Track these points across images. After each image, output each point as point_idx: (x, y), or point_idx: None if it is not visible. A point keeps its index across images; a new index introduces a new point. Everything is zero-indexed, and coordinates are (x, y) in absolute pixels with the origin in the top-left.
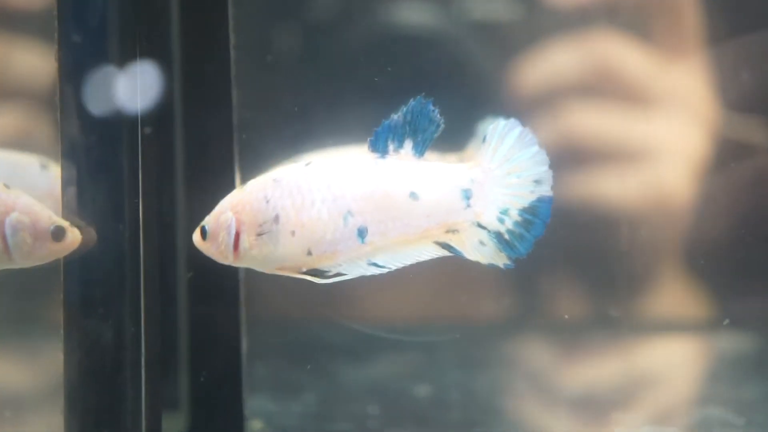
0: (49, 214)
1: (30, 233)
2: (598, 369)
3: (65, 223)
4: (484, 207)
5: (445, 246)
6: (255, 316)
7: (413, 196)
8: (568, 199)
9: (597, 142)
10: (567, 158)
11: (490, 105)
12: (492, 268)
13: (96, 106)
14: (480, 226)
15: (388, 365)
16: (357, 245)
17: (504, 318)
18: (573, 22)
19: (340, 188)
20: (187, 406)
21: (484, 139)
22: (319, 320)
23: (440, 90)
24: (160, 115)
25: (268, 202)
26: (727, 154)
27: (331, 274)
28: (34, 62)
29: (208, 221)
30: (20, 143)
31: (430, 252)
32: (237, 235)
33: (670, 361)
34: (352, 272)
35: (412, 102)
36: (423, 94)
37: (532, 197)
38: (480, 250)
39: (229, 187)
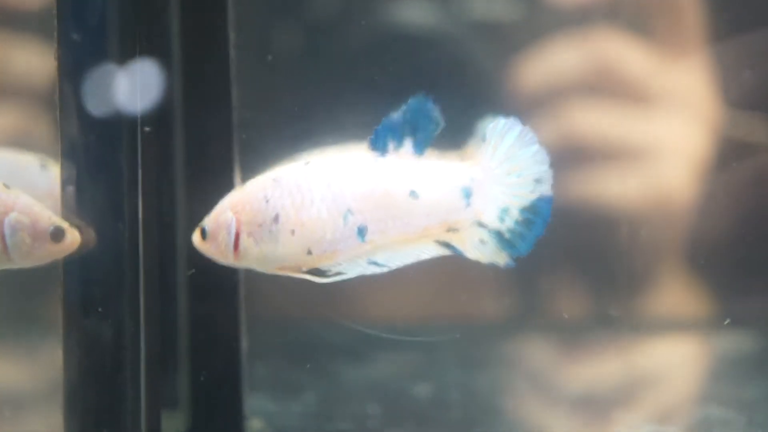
0: (49, 215)
1: (29, 233)
2: (598, 368)
3: (65, 224)
4: (484, 206)
5: (446, 245)
6: (255, 316)
7: (413, 194)
8: (568, 198)
9: (598, 142)
10: (568, 157)
11: (491, 104)
12: (492, 268)
13: (95, 105)
14: (480, 224)
15: (388, 365)
16: (357, 244)
17: (504, 317)
18: (574, 21)
19: (340, 187)
20: (186, 405)
21: (484, 138)
22: (318, 320)
23: (441, 89)
24: (159, 114)
25: (267, 201)
26: (729, 153)
27: (331, 273)
28: (34, 61)
29: (208, 222)
30: (20, 143)
31: (430, 251)
32: (237, 235)
33: (670, 361)
34: (352, 271)
35: (411, 100)
36: (423, 92)
37: (533, 196)
38: (480, 249)
39: (229, 186)
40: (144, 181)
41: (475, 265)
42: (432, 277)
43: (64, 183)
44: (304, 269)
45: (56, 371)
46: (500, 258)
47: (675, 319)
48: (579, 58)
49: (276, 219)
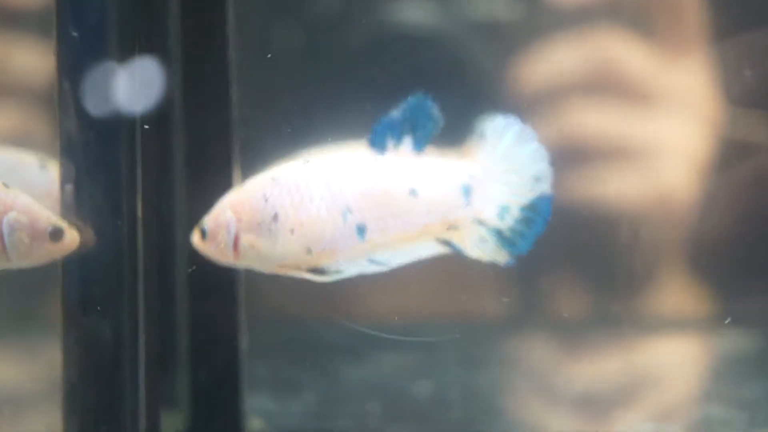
0: (48, 215)
1: (28, 233)
2: (599, 367)
3: (64, 224)
4: (484, 204)
5: (446, 243)
6: (254, 315)
7: (413, 192)
8: (569, 197)
9: (599, 141)
10: (568, 157)
11: (492, 103)
12: (493, 266)
13: (95, 104)
14: (480, 223)
15: (389, 364)
16: (357, 243)
17: (505, 316)
18: (574, 20)
19: (339, 185)
20: (186, 404)
21: (483, 136)
22: (318, 319)
23: (441, 88)
24: (159, 113)
25: (266, 200)
26: (730, 153)
27: (330, 272)
28: (34, 61)
29: (207, 222)
30: (19, 142)
31: (430, 249)
32: (236, 235)
33: (671, 360)
34: (352, 270)
35: (410, 98)
36: (421, 90)
37: (532, 194)
38: (480, 247)
39: (229, 184)
40: (143, 179)
41: (476, 263)
42: (432, 276)
43: (63, 181)
44: (304, 268)
45: (55, 370)
46: (500, 256)
47: (675, 319)
48: (579, 57)
49: (275, 218)
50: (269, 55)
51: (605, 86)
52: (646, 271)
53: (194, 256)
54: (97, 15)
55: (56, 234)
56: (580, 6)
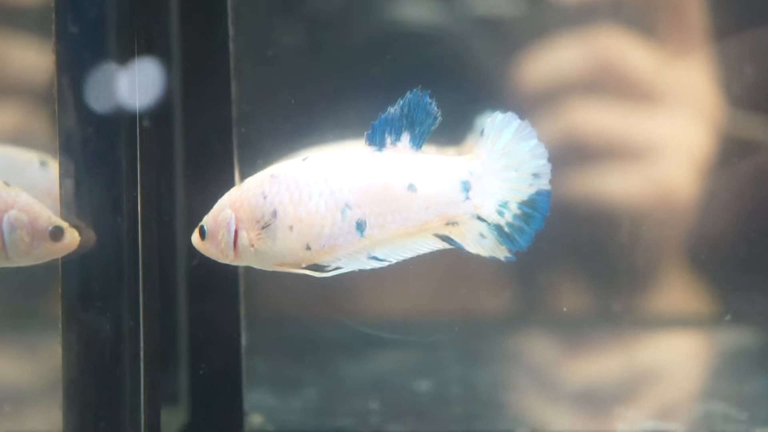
0: (49, 214)
1: (28, 232)
2: (600, 364)
3: (64, 224)
4: (483, 199)
5: (445, 239)
6: (254, 311)
7: (411, 188)
8: (571, 195)
9: (600, 139)
10: (570, 155)
11: (493, 101)
12: (494, 263)
13: (94, 100)
14: (480, 218)
15: (389, 360)
16: (356, 239)
17: (506, 313)
18: (576, 18)
19: (338, 182)
20: (186, 400)
21: (482, 133)
22: (318, 316)
23: (443, 86)
24: (158, 109)
25: (265, 197)
26: (731, 151)
27: (330, 268)
28: (33, 58)
29: (207, 221)
30: (19, 140)
31: (430, 245)
32: (236, 233)
33: (672, 357)
34: (351, 266)
35: (409, 95)
36: (420, 86)
37: (531, 190)
38: (480, 243)
39: (228, 180)
40: (143, 176)
41: (476, 260)
42: (432, 273)
43: (62, 178)
44: (304, 265)
45: (55, 366)
46: (500, 252)
47: (676, 316)
48: (581, 55)
49: (274, 215)
50: (269, 51)
51: (606, 84)
52: (647, 268)
53: (194, 252)
54: (96, 12)
55: (56, 233)
56: (581, 4)
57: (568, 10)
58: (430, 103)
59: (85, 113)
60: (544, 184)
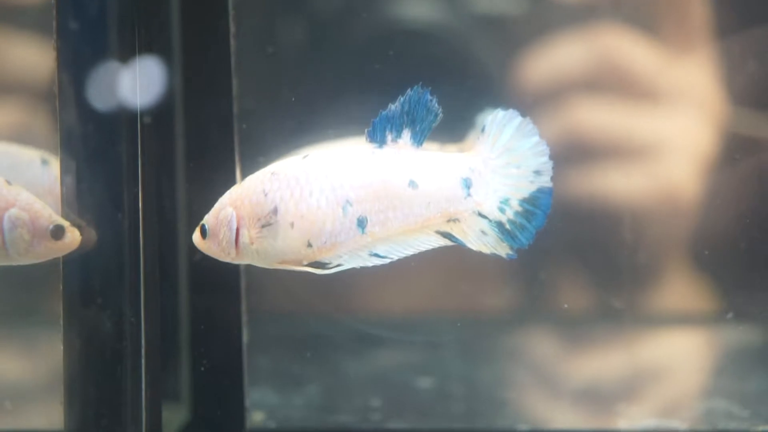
0: (50, 213)
1: (28, 230)
2: (602, 361)
3: (65, 223)
4: (484, 196)
5: (447, 235)
6: (256, 308)
7: (412, 184)
8: (574, 193)
9: (603, 137)
10: (573, 153)
11: (495, 99)
12: (496, 263)
13: (95, 96)
14: (481, 215)
15: (391, 357)
16: (357, 236)
17: (508, 310)
18: (579, 16)
19: (339, 178)
20: (187, 397)
21: (483, 129)
22: (320, 313)
23: (445, 84)
24: (159, 105)
25: (266, 195)
26: (734, 149)
27: (332, 266)
28: (34, 56)
29: (208, 220)
30: (20, 138)
31: (431, 242)
32: (237, 231)
33: (674, 354)
34: (353, 264)
35: (409, 92)
36: (421, 83)
37: (532, 188)
38: (482, 240)
39: (229, 176)
40: (144, 172)
41: (478, 258)
42: (434, 270)
43: (63, 175)
44: (305, 263)
45: (56, 363)
46: (502, 249)
47: (679, 313)
48: (584, 53)
49: (275, 212)
50: (270, 47)
51: (609, 82)
52: (650, 265)
53: (195, 248)
54: (97, 8)
55: (57, 232)
56: (584, 2)
57: (571, 7)
58: (431, 100)
59: (85, 110)
60: (545, 181)
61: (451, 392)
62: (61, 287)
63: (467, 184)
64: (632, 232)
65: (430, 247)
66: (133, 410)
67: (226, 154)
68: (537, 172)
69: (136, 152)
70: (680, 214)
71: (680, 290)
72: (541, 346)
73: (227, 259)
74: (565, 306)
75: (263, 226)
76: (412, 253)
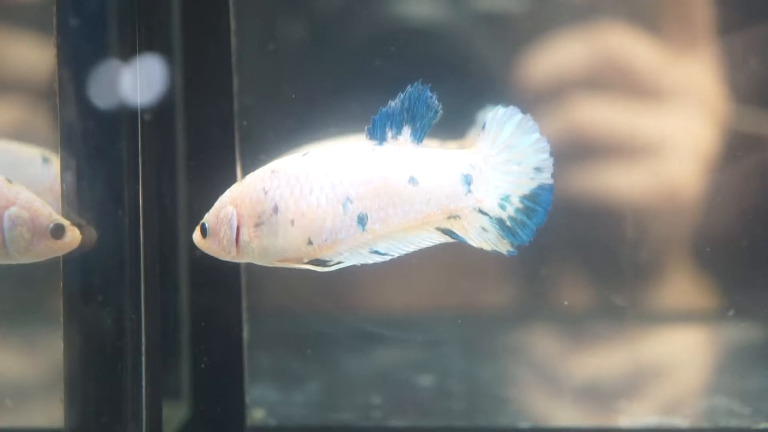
0: (50, 212)
1: (28, 229)
2: (603, 359)
3: (65, 222)
4: (485, 193)
5: (448, 232)
6: (257, 305)
7: (412, 181)
8: (576, 191)
9: (605, 135)
10: (575, 151)
11: (497, 97)
12: (497, 260)
13: (95, 94)
14: (482, 212)
15: (391, 355)
16: (358, 233)
17: (509, 307)
18: (581, 13)
19: (339, 176)
20: (188, 394)
21: (483, 126)
22: (321, 311)
23: (446, 81)
24: (160, 102)
25: (266, 192)
26: (736, 147)
27: (332, 263)
28: (34, 54)
29: (208, 218)
30: (21, 136)
31: (432, 238)
32: (238, 229)
33: (676, 352)
34: (353, 261)
35: (409, 89)
36: (420, 80)
37: (533, 184)
38: (483, 237)
39: (230, 173)
40: (144, 169)
41: (479, 255)
42: (435, 267)
43: (63, 172)
44: (306, 261)
45: (57, 360)
46: (502, 246)
47: (680, 311)
48: (586, 51)
49: (275, 210)
50: (271, 44)
51: (611, 80)
52: (651, 263)
53: (195, 246)
54: (97, 5)
55: (57, 231)
56: (586, 0)
57: (573, 5)
58: (431, 97)
59: (86, 107)
60: (546, 178)
61: (452, 390)
62: (62, 284)
63: (468, 181)
64: (634, 229)
65: (431, 244)
66: (134, 407)
67: (226, 151)
68: (538, 169)
69: (137, 149)
70: (682, 212)
71: (682, 288)
72: (543, 343)
73: (228, 258)
74: (566, 303)
75: (256, 225)
76: (412, 250)
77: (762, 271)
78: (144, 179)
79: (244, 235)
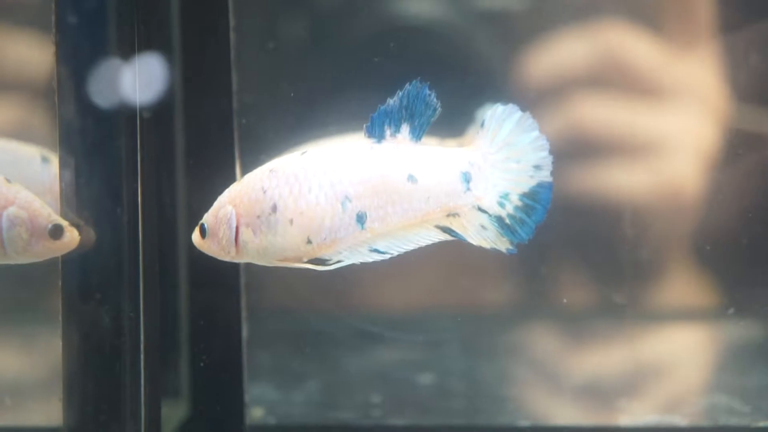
0: (49, 212)
1: (26, 229)
2: (603, 357)
3: (64, 223)
4: (484, 191)
5: (447, 230)
6: (256, 303)
7: (411, 179)
8: (577, 189)
9: (605, 133)
10: (575, 149)
11: (498, 95)
12: (498, 258)
13: (94, 91)
14: (481, 210)
15: (391, 353)
16: (357, 231)
17: (509, 305)
18: (581, 11)
19: (337, 174)
20: (187, 393)
21: (482, 124)
22: (320, 311)
23: (447, 81)
24: (158, 99)
25: (265, 192)
26: (737, 145)
27: (332, 262)
28: (34, 53)
29: (207, 219)
30: (20, 135)
31: (431, 236)
32: (237, 229)
33: (675, 350)
34: (353, 260)
35: (407, 86)
36: (419, 78)
37: (532, 182)
38: (482, 235)
39: (229, 171)
40: (143, 167)
41: (479, 253)
42: (435, 266)
43: (62, 169)
44: (305, 260)
45: (55, 359)
46: (502, 244)
47: (680, 309)
48: (587, 50)
49: (274, 209)
50: (270, 41)
51: (612, 78)
52: (651, 261)
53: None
54: (96, 2)
55: (56, 232)
56: None
57: (573, 3)
58: (430, 95)
59: (85, 104)
60: (545, 176)
61: (451, 388)
62: (60, 283)
63: (466, 179)
64: (634, 227)
65: (430, 242)
66: (132, 406)
67: (225, 149)
68: (537, 167)
69: (136, 147)
70: (682, 210)
71: (682, 286)
72: (542, 341)
73: (227, 258)
74: (564, 301)
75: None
76: (412, 248)
77: (762, 270)
78: (143, 177)
79: (243, 235)
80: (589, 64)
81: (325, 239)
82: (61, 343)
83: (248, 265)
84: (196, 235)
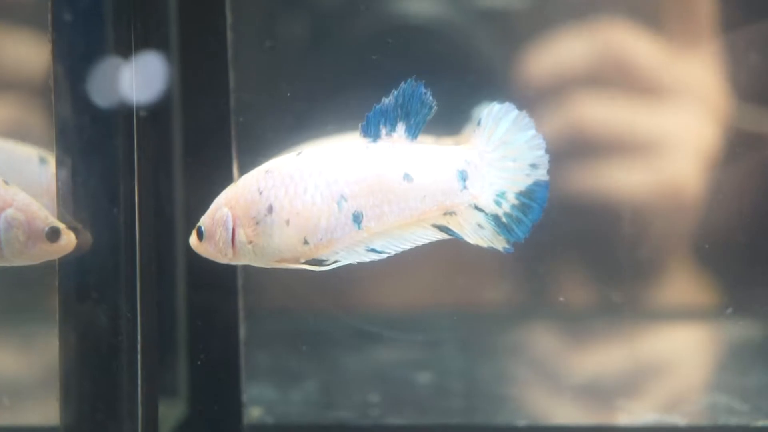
0: (46, 215)
1: (24, 231)
2: (603, 356)
3: (61, 225)
4: (480, 189)
5: (444, 229)
6: (253, 303)
7: (407, 177)
8: (576, 188)
9: (605, 132)
10: (575, 148)
11: (497, 94)
12: (496, 257)
13: (90, 89)
14: (477, 208)
15: (389, 353)
16: (353, 231)
17: (508, 304)
18: (581, 10)
19: (333, 174)
20: (184, 392)
21: (479, 123)
22: (318, 310)
23: (447, 79)
24: (156, 98)
25: (261, 193)
26: (737, 145)
27: (329, 262)
28: (30, 52)
29: (203, 221)
30: (17, 134)
31: (428, 235)
32: (233, 231)
33: (675, 349)
34: (350, 260)
35: (403, 85)
36: (414, 76)
37: (529, 181)
38: (478, 233)
39: (227, 170)
40: (140, 166)
41: (476, 252)
42: (432, 265)
43: (59, 168)
44: (302, 260)
45: (52, 359)
46: (498, 243)
47: (679, 308)
48: (588, 49)
49: (270, 210)
50: (268, 42)
51: (612, 77)
52: (651, 260)
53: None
54: (92, 1)
55: (53, 234)
56: None
57: (573, 2)
58: (425, 93)
59: (81, 103)
60: (541, 174)
61: (450, 388)
62: (57, 282)
63: (463, 177)
64: (634, 226)
65: (427, 241)
66: (129, 405)
67: (223, 148)
68: (533, 166)
69: (132, 146)
70: (682, 209)
71: (681, 285)
72: (541, 340)
73: (224, 260)
74: (561, 299)
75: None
76: (409, 247)
77: (761, 269)
78: (140, 176)
79: (240, 236)
80: (588, 63)
81: (321, 239)
82: (58, 343)
83: (246, 265)
84: (193, 238)
